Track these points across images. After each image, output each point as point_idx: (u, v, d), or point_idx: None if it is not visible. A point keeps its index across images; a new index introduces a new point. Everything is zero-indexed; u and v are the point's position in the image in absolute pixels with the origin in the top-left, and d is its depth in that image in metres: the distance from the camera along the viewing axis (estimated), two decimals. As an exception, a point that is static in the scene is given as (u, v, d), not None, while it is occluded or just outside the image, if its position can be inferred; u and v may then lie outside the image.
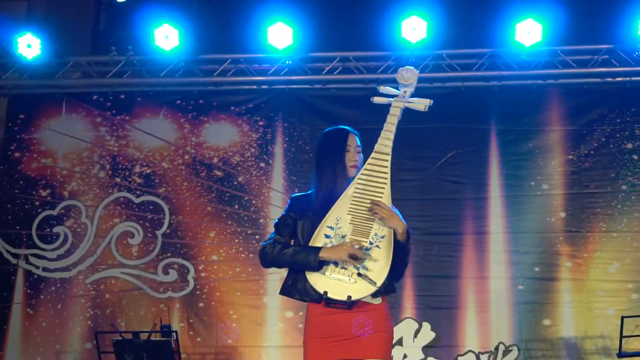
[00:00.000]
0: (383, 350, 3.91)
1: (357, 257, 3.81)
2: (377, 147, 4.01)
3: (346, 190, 3.98)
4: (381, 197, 3.93)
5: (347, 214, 3.92)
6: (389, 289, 3.96)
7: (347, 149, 4.07)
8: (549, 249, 8.08)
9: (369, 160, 4.00)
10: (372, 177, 3.96)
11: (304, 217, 4.03)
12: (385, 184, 3.96)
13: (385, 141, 4.01)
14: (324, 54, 8.66)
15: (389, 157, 3.99)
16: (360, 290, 3.83)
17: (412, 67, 4.14)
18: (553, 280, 8.03)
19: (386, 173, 3.97)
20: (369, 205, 3.92)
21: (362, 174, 3.98)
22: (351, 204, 3.93)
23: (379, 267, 3.85)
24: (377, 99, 4.16)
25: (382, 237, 3.89)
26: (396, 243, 3.91)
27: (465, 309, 8.03)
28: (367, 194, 3.94)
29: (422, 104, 4.09)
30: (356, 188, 3.96)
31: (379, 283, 3.83)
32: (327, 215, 3.93)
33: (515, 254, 8.07)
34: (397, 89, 4.15)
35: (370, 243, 3.87)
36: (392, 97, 4.12)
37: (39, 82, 8.87)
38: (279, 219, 4.11)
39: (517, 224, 8.15)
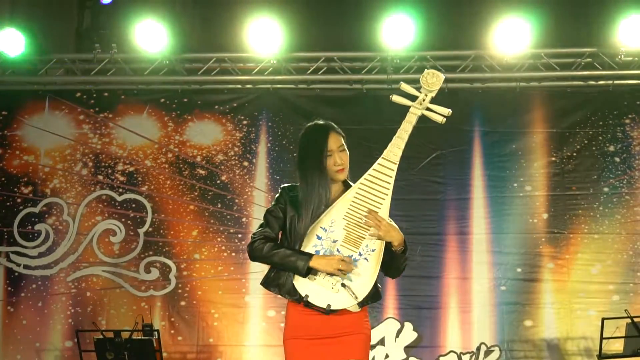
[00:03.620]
0: (362, 352, 3.89)
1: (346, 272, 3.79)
2: (386, 153, 3.89)
3: (346, 192, 3.91)
4: (380, 208, 3.85)
5: (343, 219, 3.85)
6: (376, 297, 3.93)
7: (328, 153, 3.93)
8: (531, 250, 8.12)
9: (375, 166, 3.88)
10: (374, 184, 3.86)
11: (293, 211, 3.95)
12: (387, 195, 3.86)
13: (396, 149, 3.88)
14: (309, 54, 8.67)
15: (395, 167, 3.87)
16: (340, 301, 3.80)
17: (439, 72, 3.95)
18: (535, 281, 8.06)
19: (389, 183, 3.86)
20: (365, 214, 3.83)
21: (365, 179, 3.88)
22: (348, 209, 3.85)
23: (363, 281, 3.80)
24: (396, 98, 3.96)
25: (373, 250, 3.83)
26: (393, 252, 3.87)
27: (447, 309, 8.04)
28: (366, 202, 3.85)
29: (440, 116, 3.90)
30: (356, 193, 3.87)
31: (360, 298, 3.80)
32: (323, 215, 3.86)
33: (498, 255, 8.10)
34: (418, 90, 3.95)
35: (360, 254, 3.82)
36: (412, 100, 3.94)
37: (21, 79, 8.85)
38: (269, 210, 4.02)
39: (499, 224, 8.18)
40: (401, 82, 4.02)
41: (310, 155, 3.97)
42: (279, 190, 4.07)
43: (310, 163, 3.96)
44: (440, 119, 3.90)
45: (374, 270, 3.82)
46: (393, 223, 3.89)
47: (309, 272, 3.81)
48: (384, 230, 3.81)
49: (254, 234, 3.99)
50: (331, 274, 3.79)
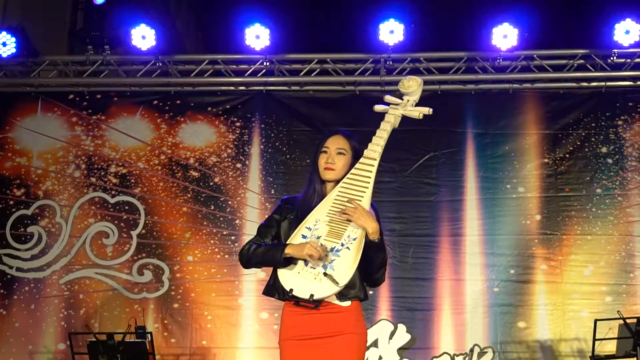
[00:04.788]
0: (355, 352, 3.89)
1: (317, 257, 3.79)
2: (366, 152, 3.99)
3: (330, 193, 3.98)
4: (360, 201, 3.90)
5: (326, 215, 3.91)
6: (359, 295, 3.94)
7: (324, 150, 4.07)
8: (524, 252, 8.13)
9: (357, 165, 3.98)
10: (355, 181, 3.94)
11: (286, 219, 4.05)
12: (367, 188, 3.92)
13: (375, 147, 3.99)
14: (302, 56, 8.68)
15: (375, 163, 3.96)
16: (323, 289, 3.82)
17: (416, 77, 4.08)
18: (528, 283, 8.07)
19: (369, 178, 3.94)
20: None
21: (347, 177, 3.96)
22: (331, 206, 3.92)
23: (344, 268, 3.82)
24: (377, 108, 4.12)
25: (354, 239, 3.87)
26: (367, 243, 3.88)
27: (440, 311, 8.04)
28: (347, 197, 3.92)
29: (417, 112, 4.03)
30: (339, 191, 3.95)
31: (342, 283, 3.81)
32: (308, 216, 3.93)
33: (491, 257, 8.11)
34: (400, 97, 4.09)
35: (342, 244, 3.86)
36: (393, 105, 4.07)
37: (14, 80, 8.85)
38: (263, 221, 4.14)
39: (492, 226, 8.19)
40: (386, 95, 4.12)
41: (314, 153, 4.13)
42: (278, 202, 4.17)
43: (312, 161, 4.13)
44: (416, 114, 4.04)
45: (356, 256, 3.84)
46: (373, 213, 3.93)
47: (287, 261, 3.86)
48: (358, 214, 3.85)
49: (244, 244, 4.08)
50: (314, 267, 3.82)
